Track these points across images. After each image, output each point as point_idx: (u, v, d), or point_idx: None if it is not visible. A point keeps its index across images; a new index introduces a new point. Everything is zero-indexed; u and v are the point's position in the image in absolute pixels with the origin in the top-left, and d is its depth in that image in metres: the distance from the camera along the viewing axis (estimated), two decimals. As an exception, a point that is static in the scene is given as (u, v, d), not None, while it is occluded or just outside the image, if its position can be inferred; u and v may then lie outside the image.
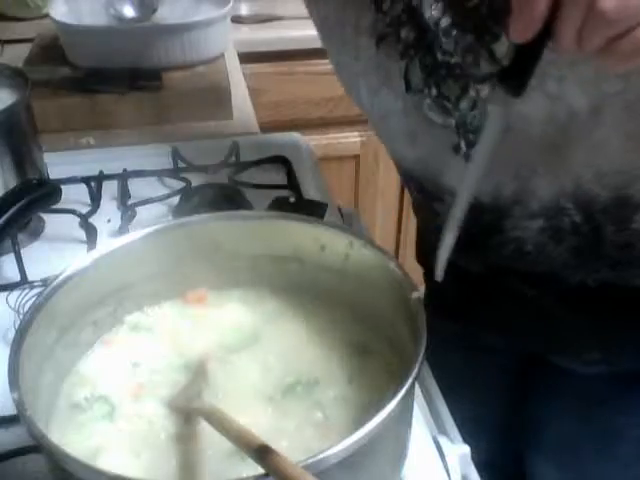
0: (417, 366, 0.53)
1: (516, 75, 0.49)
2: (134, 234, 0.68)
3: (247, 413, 0.58)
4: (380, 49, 0.68)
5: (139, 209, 1.00)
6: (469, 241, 0.68)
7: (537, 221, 0.68)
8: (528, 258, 0.71)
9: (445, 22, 0.62)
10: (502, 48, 0.58)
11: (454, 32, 0.62)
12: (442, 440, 0.66)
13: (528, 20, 0.45)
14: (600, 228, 0.66)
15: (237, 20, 1.72)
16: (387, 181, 1.96)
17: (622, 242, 0.67)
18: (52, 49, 1.39)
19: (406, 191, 1.00)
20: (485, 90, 0.62)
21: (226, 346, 0.66)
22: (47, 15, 1.39)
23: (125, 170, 1.08)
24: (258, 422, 0.57)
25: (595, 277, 0.70)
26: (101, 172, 1.08)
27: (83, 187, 1.03)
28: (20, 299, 0.78)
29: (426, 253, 0.85)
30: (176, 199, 1.01)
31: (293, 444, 0.56)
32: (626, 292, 0.70)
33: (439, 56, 0.64)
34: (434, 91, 0.66)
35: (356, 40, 0.71)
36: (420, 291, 0.59)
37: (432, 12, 0.62)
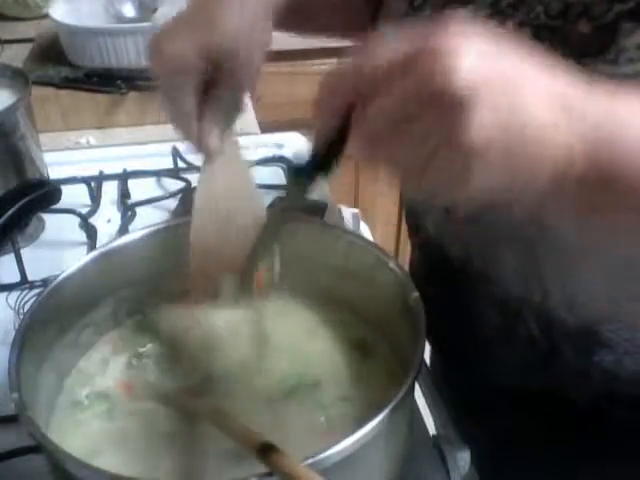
0: (417, 366, 0.53)
1: (309, 173, 0.46)
2: (134, 234, 0.68)
3: (248, 415, 0.58)
4: None
5: (139, 209, 1.00)
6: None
7: (492, 309, 0.63)
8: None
9: None
10: None
11: None
12: (442, 440, 0.66)
13: (326, 121, 0.42)
14: (558, 349, 0.61)
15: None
16: (387, 181, 1.96)
17: (579, 368, 0.61)
18: (52, 49, 1.39)
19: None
20: None
21: (226, 346, 0.66)
22: (47, 15, 1.39)
23: (125, 170, 1.08)
24: (259, 424, 0.57)
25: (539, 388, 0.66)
26: (101, 172, 1.08)
27: (83, 187, 1.03)
28: (20, 299, 0.78)
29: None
30: (176, 199, 1.01)
31: (295, 445, 0.56)
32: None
33: None
34: None
35: (384, 26, 0.66)
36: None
37: None
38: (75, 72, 1.31)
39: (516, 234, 0.57)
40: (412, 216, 0.75)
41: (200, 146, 0.59)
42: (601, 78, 0.48)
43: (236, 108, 0.60)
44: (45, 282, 0.79)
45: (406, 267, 0.65)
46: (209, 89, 0.57)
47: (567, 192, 0.41)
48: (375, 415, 0.49)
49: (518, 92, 0.38)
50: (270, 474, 0.46)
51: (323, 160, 0.45)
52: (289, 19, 0.63)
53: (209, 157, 0.59)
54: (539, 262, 0.57)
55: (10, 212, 0.81)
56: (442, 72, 0.36)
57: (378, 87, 0.38)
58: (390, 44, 0.39)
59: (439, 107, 0.37)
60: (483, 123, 0.37)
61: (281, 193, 0.97)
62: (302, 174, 0.47)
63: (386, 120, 0.39)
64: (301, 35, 0.70)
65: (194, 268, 0.63)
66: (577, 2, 0.49)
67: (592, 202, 0.42)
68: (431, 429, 0.69)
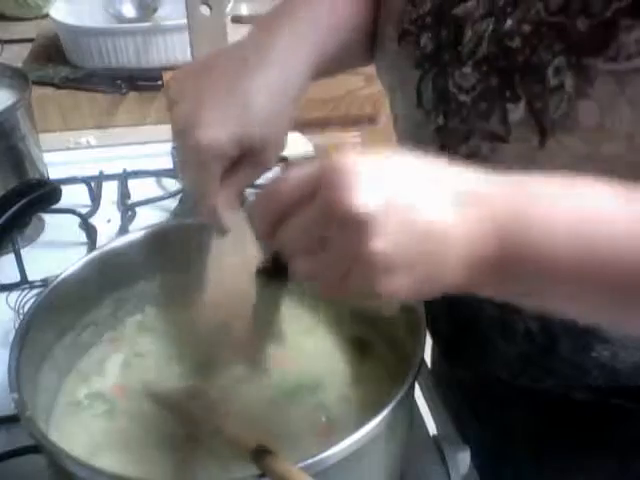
0: (417, 366, 0.53)
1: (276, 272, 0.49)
2: (134, 234, 0.68)
3: (248, 415, 0.58)
4: (401, 46, 0.62)
5: (139, 209, 1.00)
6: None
7: (490, 304, 0.62)
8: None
9: (480, 51, 0.55)
10: (516, 115, 0.52)
11: (483, 67, 0.55)
12: (442, 440, 0.66)
13: (262, 241, 0.46)
14: (556, 343, 0.61)
15: (237, 20, 1.72)
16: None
17: (576, 362, 0.61)
18: (52, 49, 1.39)
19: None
20: (486, 147, 0.55)
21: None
22: (47, 15, 1.39)
23: (125, 170, 1.08)
24: (259, 424, 0.57)
25: (540, 386, 0.66)
26: (101, 172, 1.08)
27: (83, 187, 1.03)
28: (20, 299, 0.78)
29: None
30: (176, 199, 1.01)
31: (296, 445, 0.56)
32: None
33: (450, 85, 0.57)
34: (441, 120, 0.59)
35: (384, 25, 0.66)
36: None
37: (471, 31, 0.55)
38: (75, 72, 1.31)
39: None
40: None
41: (214, 221, 0.59)
42: (601, 76, 0.48)
43: (254, 181, 0.61)
44: (45, 282, 0.80)
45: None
46: (232, 167, 0.57)
47: (485, 277, 0.43)
48: (375, 415, 0.49)
49: (411, 203, 0.41)
50: (263, 475, 0.46)
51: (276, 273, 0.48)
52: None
53: (221, 233, 0.60)
54: None
55: (10, 212, 0.81)
56: (339, 197, 0.39)
57: (291, 209, 0.42)
58: (295, 174, 0.42)
59: (342, 227, 0.40)
60: (385, 237, 0.39)
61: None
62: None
63: (302, 237, 0.42)
64: None
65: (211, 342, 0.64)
66: None
67: (520, 287, 0.44)
68: (431, 429, 0.69)
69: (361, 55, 0.70)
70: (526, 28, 0.52)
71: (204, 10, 0.64)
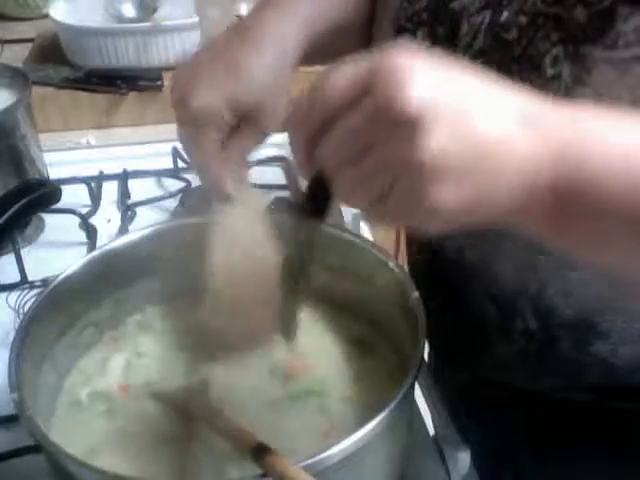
0: (417, 366, 0.53)
1: (314, 207, 0.45)
2: (134, 234, 0.68)
3: (247, 415, 0.58)
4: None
5: (139, 209, 1.00)
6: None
7: (489, 303, 0.63)
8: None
9: (476, 44, 0.55)
10: None
11: (479, 60, 0.54)
12: (442, 440, 0.66)
13: (302, 163, 0.43)
14: (555, 341, 0.60)
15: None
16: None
17: (576, 360, 0.61)
18: (52, 49, 1.39)
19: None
20: None
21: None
22: (47, 15, 1.39)
23: (125, 170, 1.08)
24: (261, 427, 0.57)
25: (538, 387, 0.66)
26: (101, 172, 1.08)
27: (83, 187, 1.03)
28: (20, 299, 0.78)
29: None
30: (176, 199, 1.01)
31: (296, 445, 0.56)
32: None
33: None
34: None
35: (381, 20, 0.66)
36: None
37: (468, 24, 0.55)
38: (75, 72, 1.31)
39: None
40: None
41: (217, 190, 0.59)
42: (599, 64, 0.48)
43: (254, 148, 0.61)
44: (45, 282, 0.79)
45: (406, 267, 0.65)
46: (231, 134, 0.58)
47: (538, 205, 0.41)
48: (375, 415, 0.49)
49: (470, 108, 0.39)
50: (265, 475, 0.46)
51: (315, 204, 0.45)
52: (302, 60, 0.64)
53: (225, 201, 0.60)
54: (535, 252, 0.57)
55: (10, 212, 0.81)
56: (393, 94, 0.37)
57: (336, 115, 0.39)
58: (343, 74, 0.39)
59: (393, 128, 0.37)
60: (437, 140, 0.37)
61: (281, 193, 0.97)
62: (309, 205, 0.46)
63: (347, 145, 0.39)
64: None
65: (212, 312, 0.63)
66: None
67: (566, 214, 0.42)
68: (431, 429, 0.69)
69: (355, 44, 0.70)
70: (522, 19, 0.52)
71: (213, 12, 0.65)
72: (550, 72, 0.50)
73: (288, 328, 0.57)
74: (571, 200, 0.41)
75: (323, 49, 0.66)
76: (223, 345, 0.63)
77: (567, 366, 0.62)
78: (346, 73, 0.39)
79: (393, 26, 0.62)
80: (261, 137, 0.60)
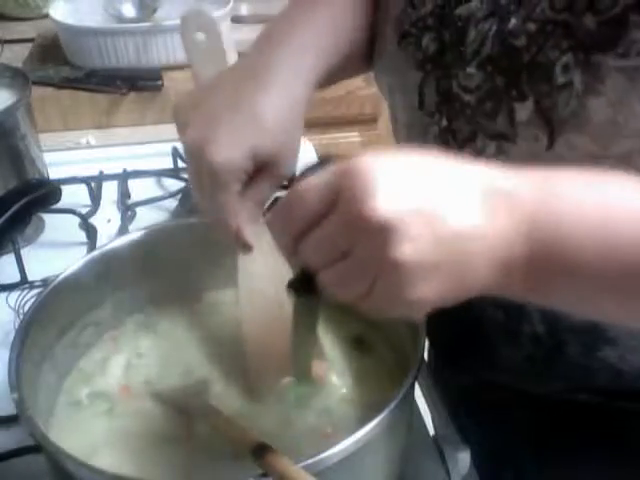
0: (417, 366, 0.53)
1: (307, 288, 0.46)
2: (134, 234, 0.68)
3: (247, 415, 0.58)
4: (401, 48, 0.61)
5: (139, 209, 1.00)
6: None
7: (495, 308, 0.63)
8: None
9: (484, 51, 0.54)
10: (523, 114, 0.52)
11: (487, 67, 0.54)
12: (442, 440, 0.66)
13: (286, 257, 0.44)
14: (563, 346, 0.60)
15: (237, 20, 1.72)
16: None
17: (584, 365, 0.60)
18: (52, 49, 1.39)
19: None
20: (492, 147, 0.54)
21: (227, 346, 0.66)
22: (47, 15, 1.39)
23: (125, 170, 1.08)
24: (262, 427, 0.57)
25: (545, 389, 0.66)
26: (101, 172, 1.08)
27: (83, 187, 1.03)
28: (20, 299, 0.78)
29: None
30: (176, 199, 1.01)
31: (297, 445, 0.56)
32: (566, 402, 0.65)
33: (454, 86, 0.56)
34: (444, 122, 0.58)
35: (382, 27, 0.65)
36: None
37: (475, 31, 0.55)
38: (75, 72, 1.31)
39: None
40: None
41: (238, 240, 0.58)
42: (611, 73, 0.47)
43: (272, 195, 0.60)
44: (45, 282, 0.79)
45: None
46: (247, 184, 0.57)
47: (517, 275, 0.42)
48: (375, 415, 0.49)
49: (436, 206, 0.40)
50: (265, 475, 0.46)
51: (307, 287, 0.46)
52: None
53: (246, 250, 0.59)
54: None
55: (10, 212, 0.81)
56: (359, 205, 0.38)
57: (312, 222, 0.41)
58: (310, 189, 0.41)
59: (366, 234, 0.39)
60: (409, 242, 0.38)
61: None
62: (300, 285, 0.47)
63: (326, 249, 0.41)
64: None
65: (252, 362, 0.62)
66: None
67: (546, 278, 0.42)
68: (431, 429, 0.69)
69: (362, 64, 0.70)
70: (531, 27, 0.51)
71: (200, 37, 0.64)
72: (561, 80, 0.50)
73: (302, 371, 0.59)
74: (549, 264, 0.42)
75: (332, 78, 0.65)
76: (265, 385, 0.62)
77: (574, 371, 0.61)
78: (314, 186, 0.41)
79: (397, 31, 0.62)
80: (278, 182, 0.59)
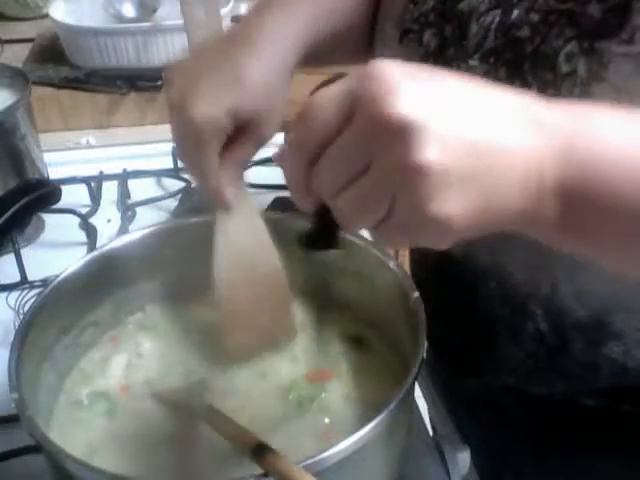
0: (417, 366, 0.53)
1: (321, 239, 0.43)
2: (134, 234, 0.68)
3: (247, 415, 0.58)
4: (402, 44, 0.61)
5: (139, 209, 1.00)
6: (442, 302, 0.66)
7: (498, 306, 0.62)
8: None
9: (487, 44, 0.54)
10: None
11: (490, 59, 0.54)
12: (442, 440, 0.66)
13: (300, 197, 0.41)
14: (567, 343, 0.59)
15: (237, 20, 1.72)
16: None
17: (587, 361, 0.60)
18: (52, 49, 1.39)
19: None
20: None
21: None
22: (47, 15, 1.39)
23: (125, 170, 1.08)
24: (261, 426, 0.57)
25: (545, 390, 0.65)
26: (101, 172, 1.08)
27: (83, 187, 1.03)
28: (20, 299, 0.78)
29: None
30: (176, 199, 1.01)
31: (297, 445, 0.56)
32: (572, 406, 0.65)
33: None
34: None
35: (383, 25, 0.65)
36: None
37: (477, 24, 0.54)
38: (75, 72, 1.31)
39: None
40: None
41: (218, 199, 0.59)
42: (616, 59, 0.47)
43: (252, 156, 0.61)
44: (45, 282, 0.79)
45: (406, 267, 0.64)
46: (228, 142, 0.57)
47: (547, 206, 0.39)
48: (375, 415, 0.49)
49: (464, 111, 0.37)
50: (266, 475, 0.46)
51: (321, 236, 0.43)
52: (301, 64, 0.63)
53: (226, 210, 0.60)
54: (548, 253, 0.57)
55: (10, 212, 0.81)
56: (379, 105, 0.35)
57: (328, 139, 0.38)
58: (328, 96, 0.38)
59: (386, 140, 0.36)
60: (433, 145, 0.35)
61: (281, 193, 0.97)
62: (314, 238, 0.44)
63: (343, 166, 0.38)
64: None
65: (228, 324, 0.63)
66: None
67: (576, 213, 0.40)
68: (431, 429, 0.69)
69: (354, 51, 0.70)
70: (535, 17, 0.51)
71: (200, 12, 0.64)
72: (565, 69, 0.50)
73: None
74: (580, 199, 0.39)
75: (323, 53, 0.65)
76: (240, 352, 0.63)
77: (578, 368, 0.61)
78: (331, 95, 0.38)
79: (398, 28, 0.62)
80: (259, 144, 0.60)
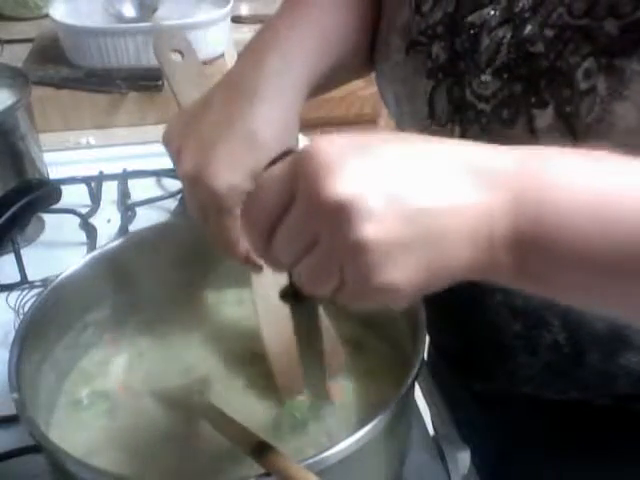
0: (417, 366, 0.53)
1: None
2: (134, 234, 0.68)
3: (247, 414, 0.58)
4: (409, 56, 0.60)
5: (139, 209, 1.00)
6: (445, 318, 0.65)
7: (513, 318, 0.61)
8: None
9: (499, 59, 0.53)
10: (544, 121, 0.50)
11: (504, 74, 0.53)
12: (442, 440, 0.66)
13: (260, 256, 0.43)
14: (584, 353, 0.59)
15: (237, 20, 1.72)
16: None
17: (604, 371, 0.59)
18: (52, 49, 1.39)
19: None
20: None
21: (227, 346, 0.66)
22: (47, 15, 1.39)
23: (125, 170, 1.08)
24: (259, 423, 0.57)
25: (560, 397, 0.65)
26: (101, 172, 1.08)
27: (83, 187, 1.03)
28: (20, 299, 0.78)
29: None
30: (176, 199, 1.00)
31: (298, 446, 0.56)
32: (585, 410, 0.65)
33: (468, 94, 0.55)
34: (457, 131, 0.56)
35: (387, 36, 0.63)
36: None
37: (488, 39, 0.53)
38: (75, 72, 1.31)
39: None
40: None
41: (248, 263, 0.57)
42: (636, 77, 0.46)
43: None
44: (45, 282, 0.79)
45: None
46: None
47: (502, 259, 0.38)
48: (375, 415, 0.49)
49: (406, 174, 0.37)
50: (268, 474, 0.46)
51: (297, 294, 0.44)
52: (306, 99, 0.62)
53: (258, 272, 0.57)
54: None
55: (10, 212, 0.81)
56: (315, 188, 0.36)
57: (278, 218, 0.39)
58: (269, 181, 0.39)
59: (327, 220, 0.37)
60: (372, 221, 0.36)
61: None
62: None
63: (293, 243, 0.39)
64: None
65: (279, 371, 0.61)
66: (602, 1, 0.48)
67: (531, 266, 0.39)
68: (431, 429, 0.69)
69: (359, 67, 0.69)
70: (549, 33, 0.50)
71: (175, 57, 0.63)
72: (583, 86, 0.48)
73: (316, 387, 0.57)
74: (539, 242, 0.38)
75: (327, 82, 0.64)
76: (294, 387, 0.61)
77: (595, 377, 0.61)
78: (275, 176, 0.39)
79: (404, 39, 0.60)
80: None
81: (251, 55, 0.60)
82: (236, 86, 0.58)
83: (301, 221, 0.38)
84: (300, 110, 0.59)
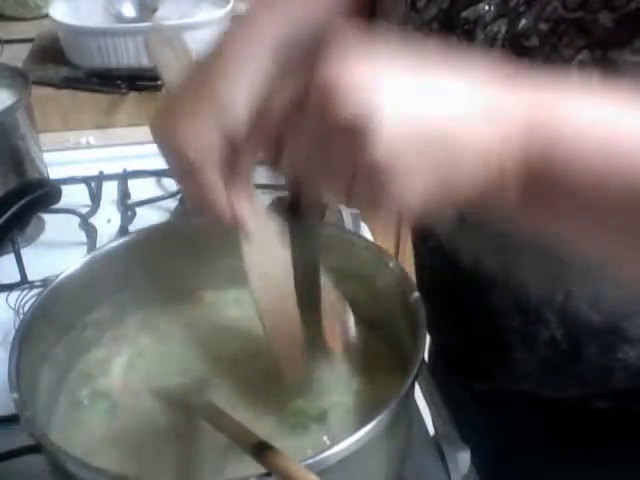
0: (417, 366, 0.53)
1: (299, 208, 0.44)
2: (134, 234, 0.68)
3: (247, 414, 0.58)
4: None
5: (139, 209, 1.00)
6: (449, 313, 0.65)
7: (510, 314, 0.62)
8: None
9: (494, 54, 0.53)
10: None
11: None
12: (442, 440, 0.66)
13: (273, 170, 0.43)
14: (581, 348, 0.59)
15: (237, 20, 1.72)
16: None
17: (601, 365, 0.60)
18: (52, 49, 1.39)
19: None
20: None
21: (227, 345, 0.66)
22: (47, 15, 1.39)
23: (125, 170, 1.08)
24: (260, 423, 0.57)
25: (559, 394, 0.65)
26: (101, 172, 1.08)
27: (83, 187, 1.03)
28: (20, 299, 0.78)
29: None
30: (176, 199, 1.00)
31: (298, 446, 0.56)
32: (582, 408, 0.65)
33: None
34: None
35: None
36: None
37: (483, 33, 0.54)
38: (75, 72, 1.31)
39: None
40: (419, 224, 0.74)
41: (237, 223, 0.55)
42: (630, 69, 0.46)
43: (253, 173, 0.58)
44: (45, 282, 0.79)
45: (406, 267, 0.64)
46: (230, 165, 0.54)
47: (510, 187, 0.39)
48: (375, 415, 0.49)
49: (422, 93, 0.38)
50: (269, 474, 0.46)
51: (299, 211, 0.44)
52: None
53: (249, 236, 0.57)
54: (562, 262, 0.56)
55: (10, 212, 0.81)
56: (331, 104, 0.36)
57: (284, 133, 0.39)
58: (281, 89, 0.39)
59: (339, 133, 0.37)
60: (384, 135, 0.36)
61: (281, 193, 0.97)
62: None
63: (303, 150, 0.40)
64: None
65: (277, 347, 0.60)
66: None
67: (540, 197, 0.40)
68: (431, 429, 0.69)
69: None
70: (543, 26, 0.51)
71: (168, 52, 0.63)
72: (578, 78, 0.49)
73: (313, 326, 0.57)
74: (544, 182, 0.39)
75: None
76: (296, 375, 0.61)
77: (592, 372, 0.61)
78: (285, 86, 0.39)
79: (400, 36, 0.61)
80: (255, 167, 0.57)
81: (235, 27, 0.61)
82: (208, 63, 0.58)
83: (313, 136, 0.38)
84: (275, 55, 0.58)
